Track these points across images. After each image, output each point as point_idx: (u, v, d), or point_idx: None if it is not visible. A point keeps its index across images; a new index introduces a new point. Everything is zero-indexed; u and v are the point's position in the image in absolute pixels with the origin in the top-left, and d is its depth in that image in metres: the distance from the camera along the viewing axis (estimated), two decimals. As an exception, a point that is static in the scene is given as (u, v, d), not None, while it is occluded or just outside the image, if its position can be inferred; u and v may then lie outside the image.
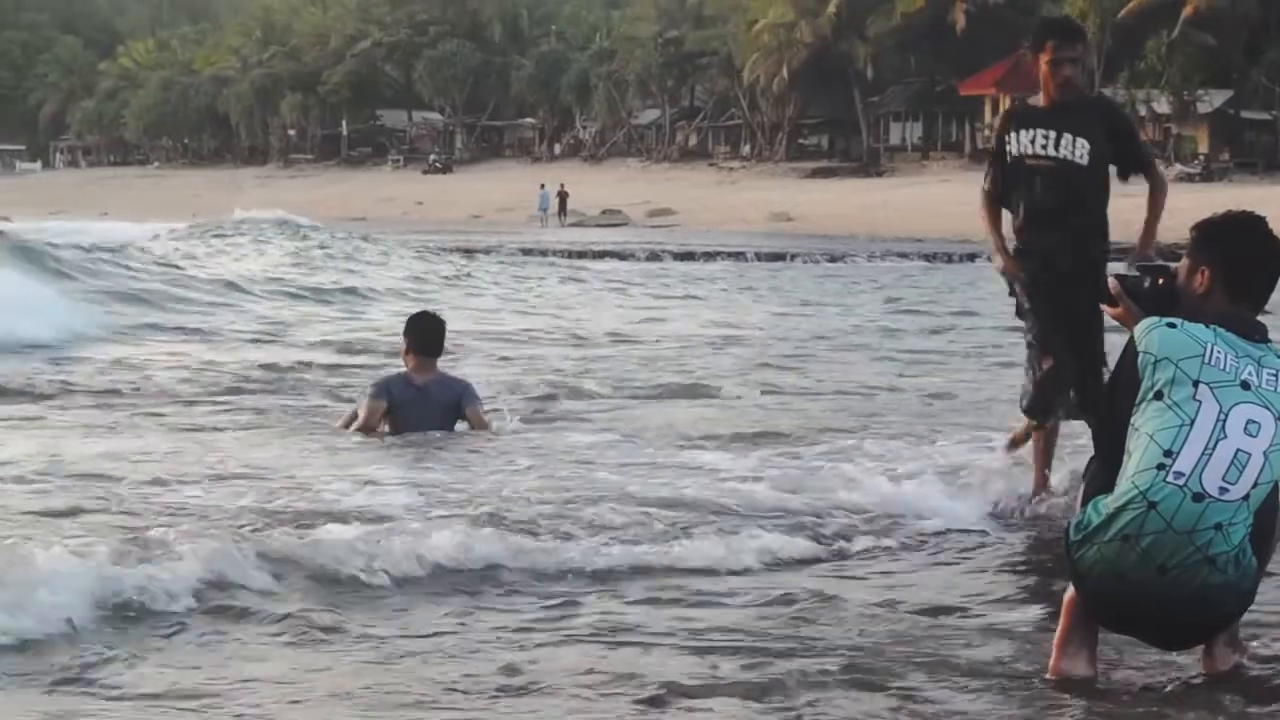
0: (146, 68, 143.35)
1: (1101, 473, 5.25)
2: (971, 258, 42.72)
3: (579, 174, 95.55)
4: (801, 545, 7.60)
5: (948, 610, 6.50)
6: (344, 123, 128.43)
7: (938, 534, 8.03)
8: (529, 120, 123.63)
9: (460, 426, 10.63)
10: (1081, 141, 8.33)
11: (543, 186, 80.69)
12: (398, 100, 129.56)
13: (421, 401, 10.50)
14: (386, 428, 10.51)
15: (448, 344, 11.11)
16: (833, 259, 43.99)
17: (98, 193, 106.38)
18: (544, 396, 13.28)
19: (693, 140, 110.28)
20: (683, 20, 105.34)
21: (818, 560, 7.47)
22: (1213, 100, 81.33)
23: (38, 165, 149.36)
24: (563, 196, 79.26)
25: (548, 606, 6.47)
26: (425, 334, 10.72)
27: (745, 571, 7.16)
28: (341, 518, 7.46)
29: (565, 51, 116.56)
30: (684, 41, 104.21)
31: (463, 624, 6.18)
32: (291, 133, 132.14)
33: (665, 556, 7.26)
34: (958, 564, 7.53)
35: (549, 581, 6.89)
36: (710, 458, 9.78)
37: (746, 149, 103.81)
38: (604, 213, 75.04)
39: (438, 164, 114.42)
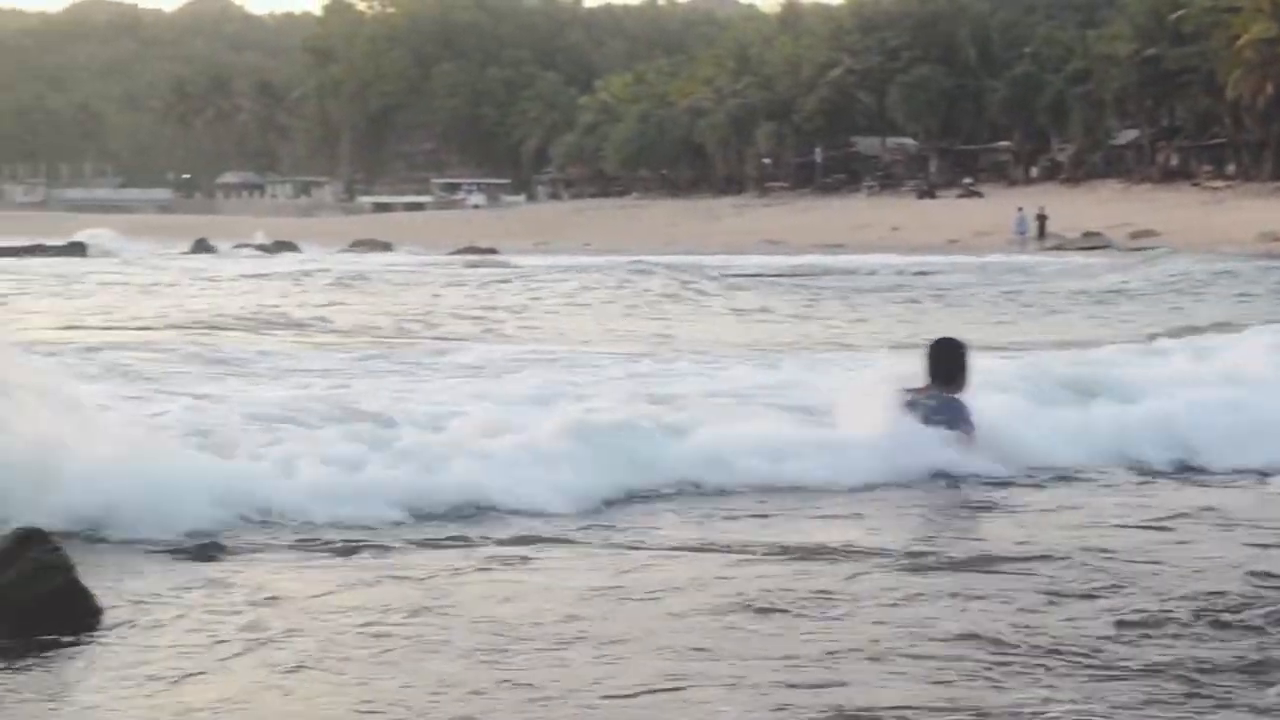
0: (624, 101, 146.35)
1: None
2: None
3: (1056, 196, 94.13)
4: None
5: None
6: (818, 150, 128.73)
7: None
8: (1004, 143, 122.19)
9: None
10: None
11: (1020, 210, 79.85)
12: (871, 126, 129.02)
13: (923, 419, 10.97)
14: None
15: None
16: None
17: (579, 224, 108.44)
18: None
19: (1173, 160, 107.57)
20: (1161, 38, 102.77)
21: None
22: None
23: (522, 198, 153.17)
24: (1042, 219, 78.30)
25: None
26: (936, 361, 11.32)
27: None
28: None
29: (1039, 73, 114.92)
30: (1163, 59, 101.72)
31: None
32: (766, 161, 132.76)
33: None
34: None
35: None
36: None
37: (1231, 168, 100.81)
38: (1084, 235, 73.72)
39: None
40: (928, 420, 10.90)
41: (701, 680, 5.97)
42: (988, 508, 9.86)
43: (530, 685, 5.92)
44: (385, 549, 8.41)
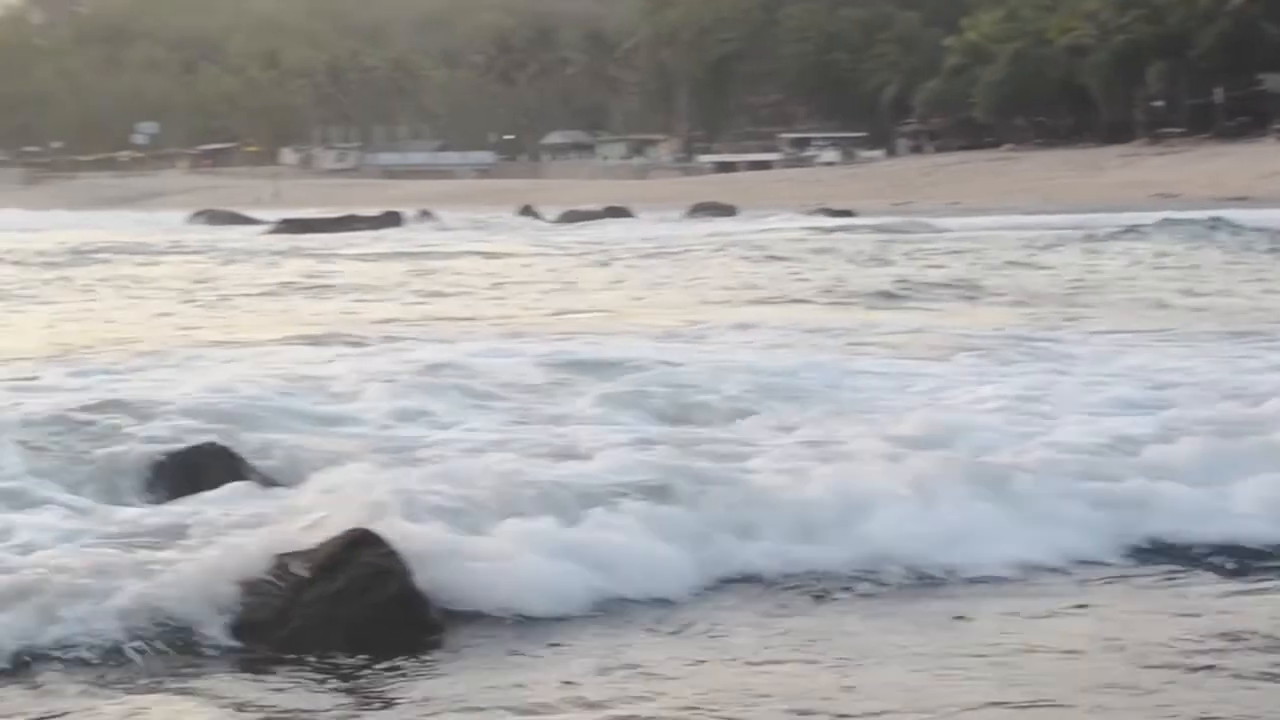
0: (994, 41, 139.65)
1: None
2: None
3: None
4: None
5: None
6: (1218, 90, 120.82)
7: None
8: None
9: None
10: None
11: None
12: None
13: None
14: None
15: None
16: None
17: (942, 180, 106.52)
18: None
19: None
20: None
21: None
22: None
23: (880, 153, 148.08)
24: None
25: None
26: None
27: None
28: None
29: None
30: None
31: None
32: (1158, 104, 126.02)
33: None
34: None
35: None
36: None
37: None
38: None
39: None
40: None
41: None
42: None
43: None
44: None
